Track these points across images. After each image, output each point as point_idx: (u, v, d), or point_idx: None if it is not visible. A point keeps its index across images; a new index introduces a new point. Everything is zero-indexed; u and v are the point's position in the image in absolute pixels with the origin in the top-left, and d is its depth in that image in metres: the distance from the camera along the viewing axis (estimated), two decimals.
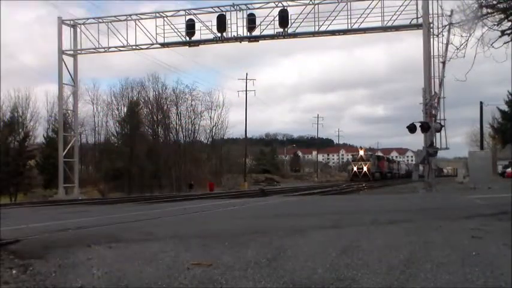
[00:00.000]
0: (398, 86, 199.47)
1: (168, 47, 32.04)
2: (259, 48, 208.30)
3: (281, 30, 28.67)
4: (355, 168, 69.75)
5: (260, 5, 29.65)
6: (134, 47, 31.59)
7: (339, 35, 30.60)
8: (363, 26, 27.89)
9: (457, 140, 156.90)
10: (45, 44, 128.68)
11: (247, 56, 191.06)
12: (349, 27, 27.96)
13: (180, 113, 61.90)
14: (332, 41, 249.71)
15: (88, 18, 32.65)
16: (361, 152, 72.38)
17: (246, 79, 60.36)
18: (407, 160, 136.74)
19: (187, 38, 29.97)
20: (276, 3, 28.72)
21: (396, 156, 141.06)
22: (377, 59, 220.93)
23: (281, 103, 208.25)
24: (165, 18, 30.37)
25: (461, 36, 14.72)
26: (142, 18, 30.87)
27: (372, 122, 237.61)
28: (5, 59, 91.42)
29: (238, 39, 29.58)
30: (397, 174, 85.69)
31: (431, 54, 25.85)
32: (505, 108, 59.93)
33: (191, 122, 62.74)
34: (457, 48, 15.38)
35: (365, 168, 68.21)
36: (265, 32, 29.16)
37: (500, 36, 13.56)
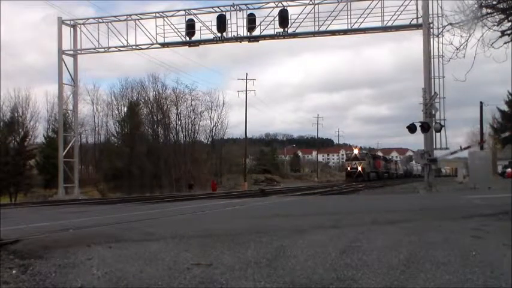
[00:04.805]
0: (403, 85, 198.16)
1: (168, 47, 32.01)
2: (262, 48, 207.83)
3: (281, 30, 28.66)
4: (349, 168, 66.97)
5: (260, 5, 29.64)
6: (134, 47, 31.55)
7: (339, 35, 30.58)
8: (363, 26, 27.87)
9: (457, 140, 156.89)
10: (45, 44, 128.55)
11: (250, 56, 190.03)
12: (349, 27, 27.93)
13: (180, 113, 61.96)
14: (337, 41, 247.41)
15: (88, 18, 32.62)
16: (355, 151, 70.29)
17: (246, 79, 60.50)
18: None
19: (187, 38, 29.95)
20: (276, 3, 28.69)
21: (396, 156, 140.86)
22: (383, 59, 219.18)
23: (284, 103, 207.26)
24: (165, 18, 30.36)
25: (461, 36, 14.69)
26: (142, 18, 30.85)
27: (374, 122, 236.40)
28: (5, 59, 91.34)
29: (238, 39, 29.56)
30: (394, 174, 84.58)
31: (431, 54, 25.85)
32: (505, 108, 59.99)
33: (191, 122, 62.80)
34: (457, 48, 15.34)
35: (359, 168, 65.02)
36: (265, 32, 29.13)
37: (500, 37, 13.53)
